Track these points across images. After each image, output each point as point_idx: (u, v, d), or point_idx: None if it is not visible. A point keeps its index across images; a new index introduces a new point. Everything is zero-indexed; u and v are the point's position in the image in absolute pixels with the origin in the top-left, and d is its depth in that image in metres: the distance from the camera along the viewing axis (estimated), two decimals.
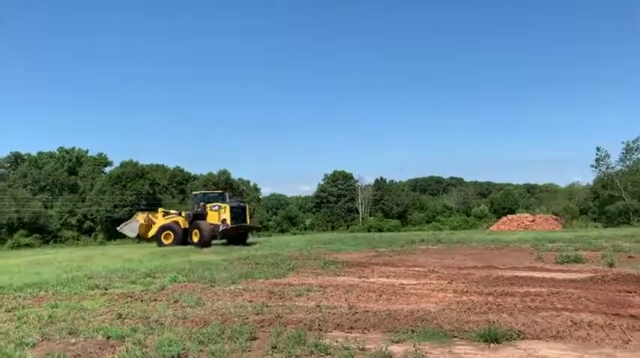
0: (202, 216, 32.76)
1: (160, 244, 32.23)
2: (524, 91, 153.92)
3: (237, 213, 33.00)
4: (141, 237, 36.89)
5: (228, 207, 32.85)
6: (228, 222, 32.08)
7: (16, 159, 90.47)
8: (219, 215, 32.35)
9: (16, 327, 7.87)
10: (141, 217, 35.88)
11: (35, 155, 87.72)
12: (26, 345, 6.68)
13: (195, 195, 36.75)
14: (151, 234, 34.69)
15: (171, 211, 36.76)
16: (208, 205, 33.34)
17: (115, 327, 7.53)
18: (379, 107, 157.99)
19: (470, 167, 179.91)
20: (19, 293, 11.77)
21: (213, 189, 49.09)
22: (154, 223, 34.89)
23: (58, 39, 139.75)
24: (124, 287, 12.58)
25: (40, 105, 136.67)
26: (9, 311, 9.59)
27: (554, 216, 60.00)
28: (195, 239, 31.36)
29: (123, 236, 47.06)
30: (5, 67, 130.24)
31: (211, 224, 31.94)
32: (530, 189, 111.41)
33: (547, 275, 12.91)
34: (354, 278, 13.34)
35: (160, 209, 37.13)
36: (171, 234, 32.75)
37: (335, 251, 23.88)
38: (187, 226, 32.81)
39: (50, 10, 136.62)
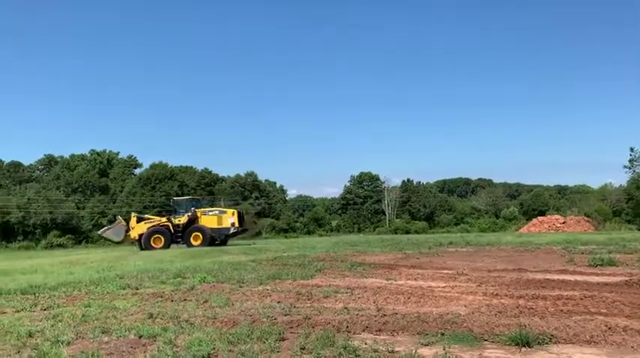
0: (194, 220, 35.09)
1: (149, 248, 32.96)
2: (555, 91, 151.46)
3: (239, 217, 36.45)
4: (120, 242, 37.81)
5: (236, 211, 36.56)
6: (237, 225, 35.55)
7: (50, 161, 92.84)
8: (219, 219, 35.56)
9: (52, 325, 8.05)
10: (124, 222, 36.67)
11: (68, 157, 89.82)
12: (61, 343, 6.82)
13: (180, 201, 37.93)
14: (133, 235, 35.39)
15: (146, 216, 38.98)
16: (199, 210, 35.85)
17: (146, 326, 7.64)
18: (406, 107, 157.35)
19: (499, 168, 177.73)
20: (54, 293, 12.06)
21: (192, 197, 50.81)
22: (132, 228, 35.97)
23: (88, 43, 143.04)
24: (155, 287, 12.77)
25: (71, 108, 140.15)
26: (44, 309, 9.83)
27: (586, 218, 58.73)
28: (196, 242, 33.67)
29: None
30: (36, 70, 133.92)
31: (210, 227, 34.99)
32: (561, 190, 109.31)
33: (580, 278, 12.64)
34: (382, 280, 13.28)
35: (133, 214, 38.23)
36: (162, 237, 34.03)
37: (362, 253, 23.81)
38: (174, 230, 34.74)
39: (74, 12, 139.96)
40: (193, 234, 34.04)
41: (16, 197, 69.02)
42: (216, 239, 34.75)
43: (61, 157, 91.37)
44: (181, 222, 34.71)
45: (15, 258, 33.32)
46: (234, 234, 36.59)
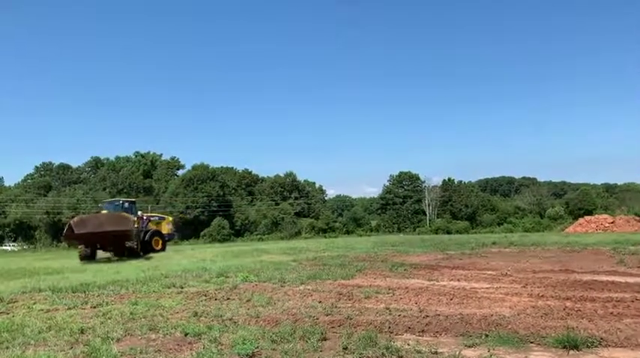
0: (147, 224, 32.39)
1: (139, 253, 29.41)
2: (602, 87, 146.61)
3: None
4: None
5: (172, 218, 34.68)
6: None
7: (96, 163, 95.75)
8: (159, 225, 33.13)
9: (101, 323, 8.33)
10: None
11: (113, 159, 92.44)
12: (111, 339, 7.06)
13: (121, 203, 33.08)
14: None
15: None
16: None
17: (191, 325, 7.82)
18: (446, 106, 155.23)
19: (543, 166, 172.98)
20: (103, 291, 12.46)
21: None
22: None
23: (135, 48, 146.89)
24: (199, 286, 13.02)
25: (116, 112, 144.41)
26: (94, 307, 10.17)
27: (636, 218, 56.44)
28: (157, 246, 31.01)
29: (197, 236, 46.74)
30: (84, 76, 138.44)
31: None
32: (610, 188, 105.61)
33: (630, 279, 12.21)
34: (424, 280, 13.16)
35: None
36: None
37: (402, 253, 23.64)
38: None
39: (125, 20, 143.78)
40: (154, 239, 31.29)
41: (66, 198, 71.54)
42: None
43: (107, 159, 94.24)
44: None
45: (65, 257, 34.47)
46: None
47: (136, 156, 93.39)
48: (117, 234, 27.42)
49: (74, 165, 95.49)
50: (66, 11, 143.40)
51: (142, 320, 8.49)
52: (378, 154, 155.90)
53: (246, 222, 76.64)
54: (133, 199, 36.37)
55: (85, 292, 12.32)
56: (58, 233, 68.54)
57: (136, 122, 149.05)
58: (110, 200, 36.19)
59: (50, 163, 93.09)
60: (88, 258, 27.11)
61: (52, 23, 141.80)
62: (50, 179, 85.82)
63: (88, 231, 26.20)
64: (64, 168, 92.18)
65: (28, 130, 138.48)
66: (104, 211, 29.89)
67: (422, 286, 12.05)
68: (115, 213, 29.48)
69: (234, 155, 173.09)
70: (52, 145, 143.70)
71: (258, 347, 6.43)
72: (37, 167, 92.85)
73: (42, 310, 10.02)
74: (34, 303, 10.95)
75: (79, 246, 27.56)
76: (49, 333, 7.61)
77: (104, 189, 77.64)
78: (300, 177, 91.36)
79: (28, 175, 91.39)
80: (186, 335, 7.32)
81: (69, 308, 10.07)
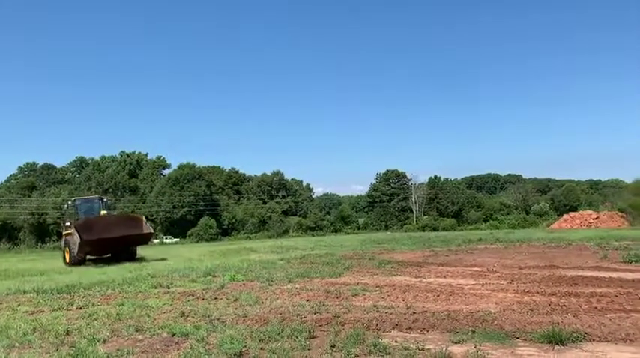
0: None
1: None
2: (587, 83, 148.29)
3: None
4: None
5: None
6: None
7: (81, 163, 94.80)
8: None
9: (87, 324, 8.26)
10: None
11: (98, 159, 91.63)
12: (97, 341, 7.00)
13: (105, 200, 30.05)
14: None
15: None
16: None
17: (178, 325, 7.78)
18: (432, 103, 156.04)
19: (529, 163, 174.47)
20: (89, 292, 12.37)
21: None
22: None
23: (125, 46, 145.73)
24: (186, 286, 12.97)
25: (101, 110, 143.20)
26: (80, 308, 10.08)
27: (620, 214, 57.28)
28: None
29: (183, 235, 45.55)
30: (68, 73, 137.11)
31: None
32: (594, 185, 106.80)
33: (614, 275, 12.39)
34: (411, 278, 13.23)
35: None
36: None
37: (390, 250, 23.74)
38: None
39: (122, 20, 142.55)
40: None
41: (51, 198, 70.76)
42: None
43: (92, 159, 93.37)
44: None
45: (50, 257, 34.13)
46: None
47: (122, 155, 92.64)
48: (137, 238, 24.81)
49: (59, 165, 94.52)
50: (56, 9, 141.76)
51: (129, 320, 8.43)
52: (366, 152, 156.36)
53: (234, 221, 76.38)
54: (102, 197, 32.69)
55: (70, 293, 12.21)
56: (43, 234, 67.86)
57: (121, 121, 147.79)
58: (87, 198, 32.06)
59: (34, 163, 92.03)
60: (81, 263, 23.98)
61: (38, 21, 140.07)
62: (34, 179, 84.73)
63: (110, 236, 23.05)
64: (49, 168, 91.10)
65: (11, 130, 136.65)
66: (103, 212, 27.30)
67: (409, 283, 12.11)
68: (124, 216, 27.16)
69: (221, 154, 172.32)
70: (36, 145, 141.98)
71: (245, 346, 6.41)
72: (20, 167, 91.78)
73: (27, 312, 9.91)
74: (19, 305, 10.83)
75: (82, 253, 23.87)
76: (34, 335, 7.52)
77: (89, 189, 76.86)
78: (288, 176, 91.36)
79: (11, 175, 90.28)
80: (173, 335, 7.28)
81: (54, 310, 9.97)
